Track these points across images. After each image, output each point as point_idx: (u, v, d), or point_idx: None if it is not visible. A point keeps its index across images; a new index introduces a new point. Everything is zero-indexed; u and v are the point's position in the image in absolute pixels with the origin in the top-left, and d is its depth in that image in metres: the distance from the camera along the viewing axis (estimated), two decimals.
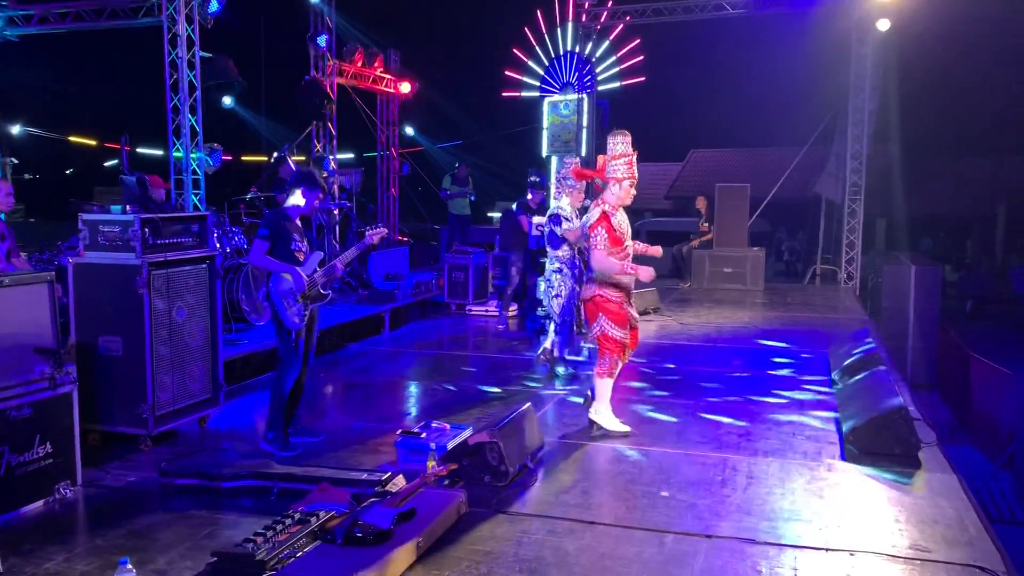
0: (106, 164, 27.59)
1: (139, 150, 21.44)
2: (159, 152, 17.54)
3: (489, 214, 26.94)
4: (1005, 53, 20.11)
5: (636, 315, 5.89)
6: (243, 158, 18.79)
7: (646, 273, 5.57)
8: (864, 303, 13.18)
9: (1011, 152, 23.90)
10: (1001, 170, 23.90)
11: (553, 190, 7.57)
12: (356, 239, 11.19)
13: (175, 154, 10.49)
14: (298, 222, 5.50)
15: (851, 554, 3.88)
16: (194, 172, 10.47)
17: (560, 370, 7.33)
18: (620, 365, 5.83)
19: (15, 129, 21.52)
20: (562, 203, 7.29)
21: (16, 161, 22.60)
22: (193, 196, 10.36)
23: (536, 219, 8.89)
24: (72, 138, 25.03)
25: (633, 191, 5.68)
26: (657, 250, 6.05)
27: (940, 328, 12.66)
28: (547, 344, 7.61)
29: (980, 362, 10.02)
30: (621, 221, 5.68)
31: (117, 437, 5.44)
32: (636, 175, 5.65)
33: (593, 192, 7.57)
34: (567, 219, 7.18)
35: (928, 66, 16.49)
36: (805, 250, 20.86)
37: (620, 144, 5.59)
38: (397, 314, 10.38)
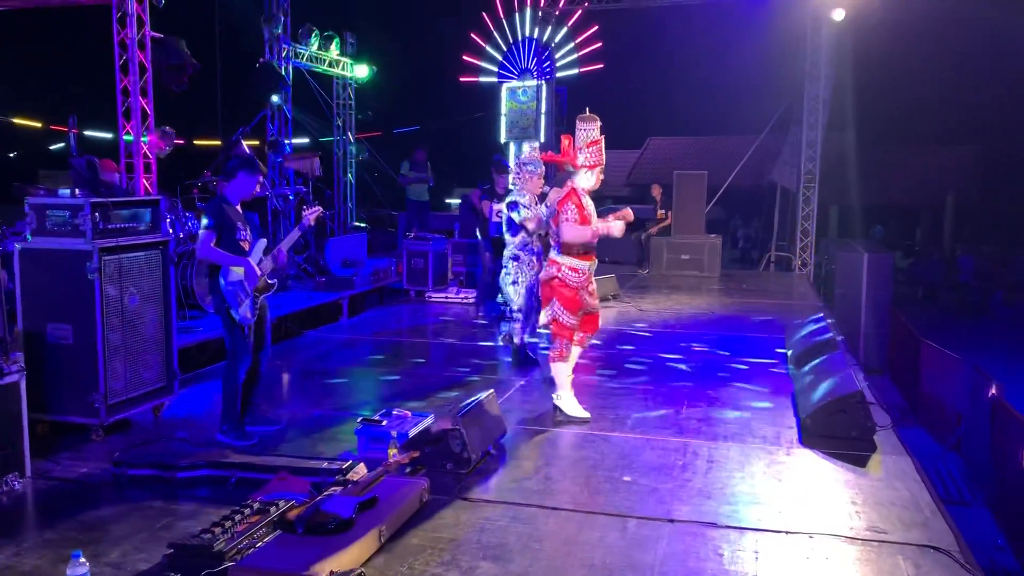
0: (52, 147, 26.84)
1: (87, 133, 20.87)
2: (108, 135, 17.11)
3: (447, 200, 26.80)
4: (957, 45, 20.54)
5: (595, 302, 5.89)
6: (195, 142, 18.40)
7: (618, 228, 5.58)
8: (818, 290, 13.40)
9: (959, 142, 24.47)
10: (950, 160, 24.46)
11: (512, 176, 7.49)
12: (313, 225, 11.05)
13: (126, 137, 10.20)
14: (239, 208, 5.30)
15: (810, 536, 3.93)
16: (145, 156, 10.20)
17: (519, 357, 7.31)
18: (575, 349, 5.85)
19: None
20: (520, 190, 7.24)
21: None
22: (145, 180, 10.09)
23: (497, 206, 8.84)
24: (16, 120, 24.29)
25: (601, 177, 5.73)
26: (627, 213, 5.82)
27: (892, 314, 12.93)
28: (508, 328, 7.61)
29: (930, 347, 10.24)
30: (587, 204, 5.69)
31: (68, 427, 5.30)
32: (604, 161, 5.69)
33: (553, 178, 7.57)
34: (525, 206, 7.14)
35: (883, 56, 16.77)
36: (760, 237, 21.16)
37: (592, 131, 5.61)
38: (355, 301, 10.27)
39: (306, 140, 18.58)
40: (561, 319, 5.68)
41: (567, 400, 5.78)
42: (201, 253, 5.11)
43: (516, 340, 7.37)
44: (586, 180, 5.65)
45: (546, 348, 7.53)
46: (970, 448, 8.52)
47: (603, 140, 5.63)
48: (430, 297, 10.82)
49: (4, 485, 4.40)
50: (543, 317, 5.92)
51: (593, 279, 5.87)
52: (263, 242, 5.26)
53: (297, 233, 5.45)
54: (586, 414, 5.75)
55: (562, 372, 5.79)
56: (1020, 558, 6.21)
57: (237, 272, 5.07)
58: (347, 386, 6.99)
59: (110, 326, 5.24)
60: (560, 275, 5.64)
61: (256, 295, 5.15)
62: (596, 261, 5.82)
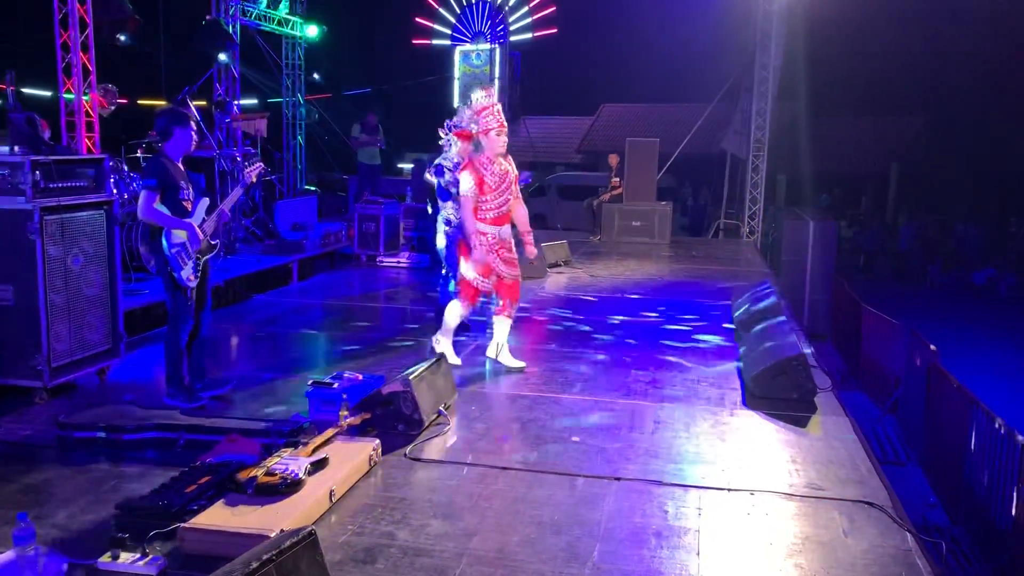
0: None
1: (25, 90, 20.14)
2: (47, 93, 16.53)
3: (399, 165, 26.55)
4: (906, 15, 20.85)
5: (513, 270, 6.02)
6: (139, 101, 17.92)
7: (476, 255, 5.79)
8: (765, 257, 13.65)
9: (904, 112, 24.94)
10: (895, 130, 24.94)
11: (442, 139, 7.45)
12: (261, 187, 10.88)
13: (66, 95, 9.91)
14: (181, 166, 5.15)
15: (751, 493, 4.06)
16: (87, 114, 9.93)
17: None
18: (500, 320, 6.09)
19: None
20: (450, 153, 7.20)
21: None
22: (87, 140, 9.83)
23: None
24: None
25: (502, 139, 5.85)
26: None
27: (835, 281, 13.25)
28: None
29: (871, 313, 10.53)
30: (496, 171, 5.82)
31: (9, 390, 5.20)
32: (504, 123, 5.85)
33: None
34: (450, 169, 7.14)
35: (833, 25, 16.95)
36: (709, 205, 21.42)
37: (483, 97, 5.83)
38: (305, 265, 10.17)
39: (254, 101, 18.22)
40: (468, 277, 5.92)
41: (445, 344, 6.08)
42: (143, 214, 4.95)
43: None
44: (487, 145, 5.81)
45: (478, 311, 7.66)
46: (906, 410, 8.82)
47: (496, 106, 5.84)
48: (381, 262, 10.77)
49: None
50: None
51: (512, 247, 6.05)
52: (205, 201, 5.15)
53: (239, 191, 5.36)
54: (458, 360, 6.07)
55: (453, 321, 6.08)
56: (950, 514, 6.50)
57: (179, 234, 4.96)
58: (297, 349, 6.97)
59: (53, 287, 5.13)
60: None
61: (199, 257, 5.06)
62: (508, 226, 6.01)
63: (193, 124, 5.11)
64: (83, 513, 3.75)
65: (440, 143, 7.14)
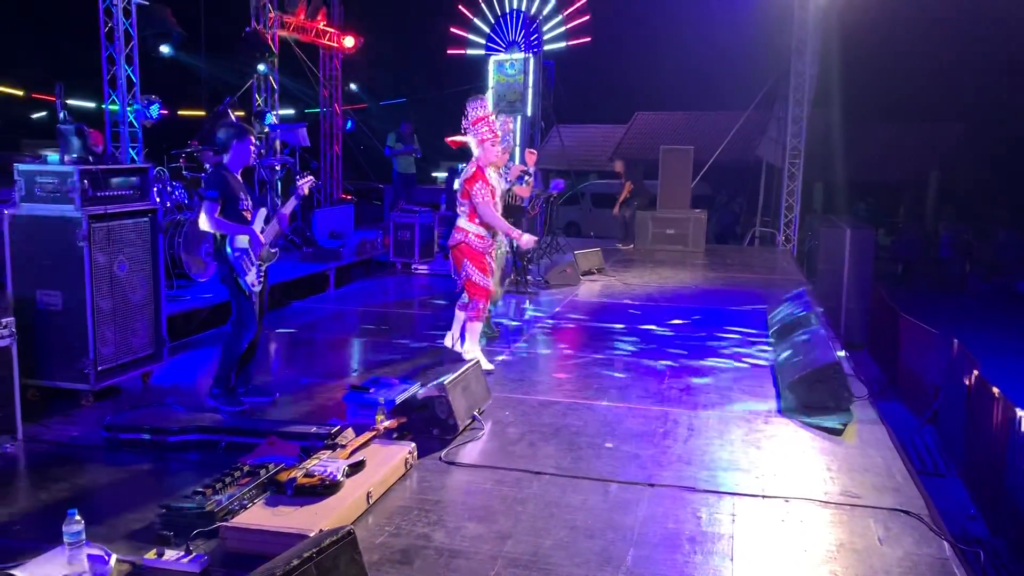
0: (34, 116, 26.51)
1: (70, 102, 20.62)
2: (91, 104, 16.93)
3: (433, 174, 26.73)
4: (945, 22, 20.58)
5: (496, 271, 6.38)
6: (179, 112, 18.27)
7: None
8: (801, 265, 13.54)
9: (945, 119, 24.58)
10: (935, 137, 24.58)
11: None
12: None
13: (111, 107, 10.16)
14: (240, 178, 5.31)
15: (786, 500, 4.06)
16: (131, 125, 10.17)
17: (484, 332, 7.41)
18: (487, 308, 6.42)
19: None
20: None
21: None
22: (131, 150, 10.07)
23: None
24: None
25: (497, 148, 6.10)
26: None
27: (872, 289, 13.10)
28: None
29: (909, 322, 10.41)
30: (492, 180, 6.13)
31: (57, 393, 5.35)
32: (498, 133, 6.09)
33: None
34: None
35: (870, 31, 16.80)
36: (744, 213, 21.28)
37: (478, 108, 6.07)
38: (342, 272, 10.32)
39: (291, 111, 18.48)
40: (474, 279, 6.15)
41: (475, 352, 6.21)
42: (206, 224, 5.10)
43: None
44: (484, 156, 6.06)
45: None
46: (946, 421, 8.70)
47: (492, 116, 6.11)
48: (416, 269, 10.88)
49: None
50: (459, 280, 6.31)
51: (496, 252, 6.38)
52: (264, 211, 5.29)
53: (294, 202, 5.48)
54: (491, 365, 6.22)
55: (476, 330, 6.27)
56: (990, 526, 6.40)
57: (242, 240, 5.11)
58: (334, 355, 7.07)
59: (99, 293, 5.28)
60: (467, 240, 6.13)
61: (261, 263, 5.20)
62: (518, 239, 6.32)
63: (252, 137, 5.25)
64: (128, 512, 3.86)
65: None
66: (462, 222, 6.15)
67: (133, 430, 4.67)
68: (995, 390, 6.75)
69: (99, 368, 5.31)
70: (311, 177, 5.69)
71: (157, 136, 10.68)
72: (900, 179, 25.15)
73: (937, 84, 23.85)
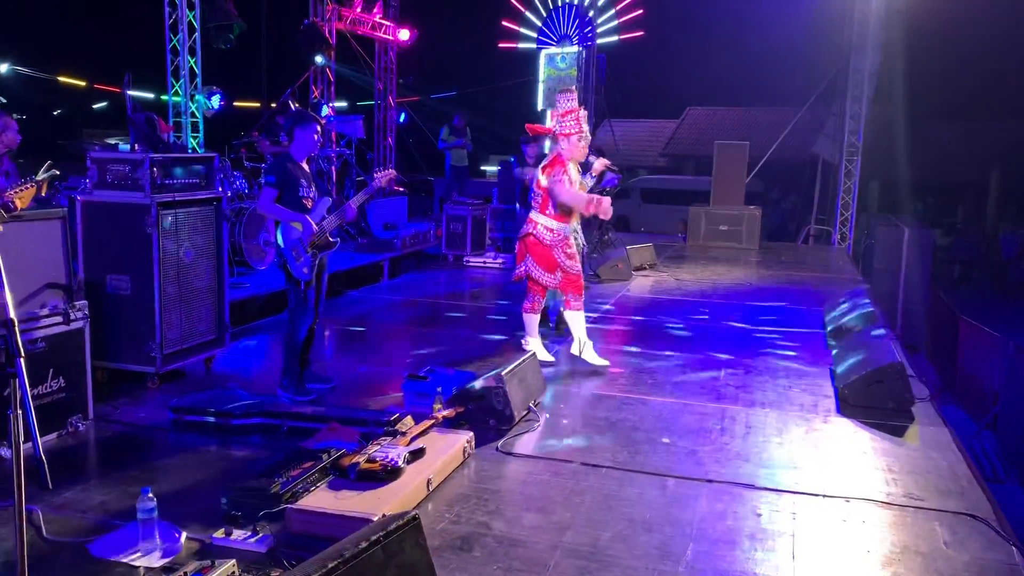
0: (95, 106, 27.19)
1: (130, 92, 21.11)
2: (149, 95, 17.30)
3: (482, 167, 26.78)
4: (1007, 16, 20.01)
5: (575, 264, 6.13)
6: (238, 103, 18.58)
7: (606, 207, 5.86)
8: (856, 264, 13.31)
9: (1005, 118, 23.91)
10: (995, 136, 23.93)
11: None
12: (354, 187, 11.18)
13: (174, 98, 10.39)
14: (306, 166, 5.34)
15: (846, 500, 4.01)
16: (193, 115, 10.39)
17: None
18: (572, 314, 6.18)
19: (2, 68, 21.19)
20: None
21: (4, 100, 22.30)
22: (192, 140, 10.29)
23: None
24: (62, 78, 24.59)
25: (582, 144, 5.98)
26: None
27: (931, 291, 12.83)
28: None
29: (969, 325, 10.17)
30: (571, 172, 5.97)
31: (124, 375, 5.50)
32: (584, 130, 5.95)
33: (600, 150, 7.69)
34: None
35: (931, 28, 16.42)
36: (797, 210, 20.97)
37: (568, 101, 5.91)
38: (395, 264, 10.42)
39: (343, 103, 18.69)
40: (533, 274, 6.07)
41: (535, 344, 6.20)
42: (261, 208, 5.22)
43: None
44: (567, 149, 5.92)
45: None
46: (1006, 427, 8.50)
47: (580, 111, 5.91)
48: (468, 262, 10.93)
49: (69, 426, 4.61)
50: (517, 271, 6.26)
51: (572, 241, 6.14)
52: (327, 200, 5.33)
53: (364, 196, 5.54)
54: (551, 356, 6.20)
55: (533, 322, 6.25)
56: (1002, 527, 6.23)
57: (296, 228, 5.16)
58: (389, 344, 7.16)
59: (166, 278, 5.42)
60: (535, 232, 6.02)
61: (315, 252, 5.23)
62: (574, 224, 6.12)
63: (318, 126, 5.31)
64: (196, 491, 3.97)
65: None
66: (533, 213, 6.07)
67: (198, 412, 4.80)
68: None
69: (165, 351, 5.45)
70: (392, 171, 5.75)
71: (217, 126, 10.90)
72: (959, 179, 24.56)
73: (998, 83, 23.22)
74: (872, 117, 14.88)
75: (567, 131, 5.88)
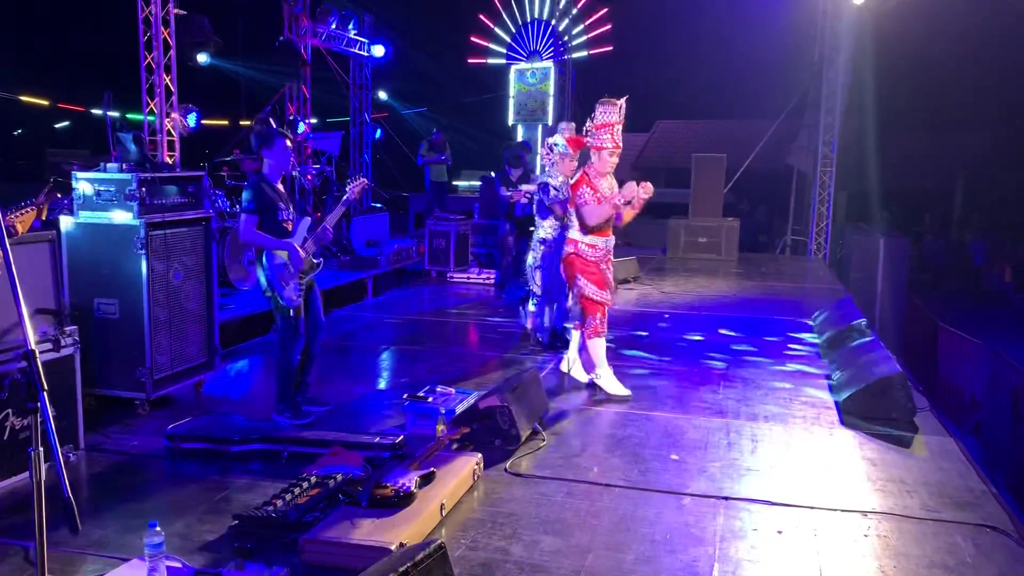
0: (58, 125, 26.67)
1: (94, 111, 20.74)
2: (114, 113, 16.99)
3: (455, 183, 26.65)
4: (972, 30, 20.43)
5: (611, 279, 5.97)
6: (215, 121, 18.32)
7: (645, 188, 5.63)
8: (834, 273, 13.42)
9: (971, 129, 24.38)
10: (961, 145, 24.39)
11: (540, 158, 7.45)
12: (335, 203, 11.03)
13: (149, 117, 10.19)
14: (281, 187, 5.16)
15: (864, 515, 3.97)
16: (169, 133, 10.20)
17: (529, 343, 7.30)
18: (606, 323, 5.92)
19: None
20: (552, 172, 7.18)
21: None
22: (168, 159, 10.09)
23: (525, 186, 8.79)
24: (23, 97, 24.09)
25: (613, 159, 5.76)
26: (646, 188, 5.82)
27: (908, 298, 12.96)
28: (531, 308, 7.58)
29: (948, 332, 10.27)
30: (602, 187, 5.76)
31: (113, 401, 5.32)
32: (620, 144, 5.73)
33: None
34: (555, 188, 7.10)
35: (901, 40, 16.69)
36: (768, 222, 21.14)
37: (607, 113, 5.64)
38: (379, 281, 10.29)
39: (314, 120, 18.52)
40: (588, 293, 5.80)
41: (607, 378, 5.83)
42: (244, 235, 4.98)
43: (530, 324, 7.34)
44: (597, 162, 5.73)
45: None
46: (989, 433, 8.57)
47: (618, 125, 5.66)
48: (452, 278, 10.83)
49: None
50: (570, 298, 6.00)
51: (612, 257, 5.98)
52: (307, 221, 5.18)
53: (341, 209, 5.41)
54: (627, 391, 5.81)
55: (600, 348, 5.86)
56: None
57: (280, 255, 4.99)
58: (383, 364, 7.03)
59: (156, 301, 5.26)
60: (577, 251, 5.80)
61: (301, 276, 5.09)
62: (613, 237, 5.94)
63: (285, 140, 5.15)
64: (199, 522, 3.82)
65: (543, 164, 7.17)
66: (572, 232, 5.85)
67: (195, 439, 4.65)
68: None
69: (155, 377, 5.29)
70: (363, 179, 5.63)
71: (194, 145, 10.71)
72: (925, 188, 24.95)
73: (962, 95, 23.66)
74: (840, 129, 15.05)
75: (599, 144, 5.66)
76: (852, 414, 5.41)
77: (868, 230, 14.53)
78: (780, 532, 3.78)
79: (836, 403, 5.73)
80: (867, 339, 6.59)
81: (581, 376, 6.09)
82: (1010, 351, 8.44)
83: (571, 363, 6.16)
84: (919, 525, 3.87)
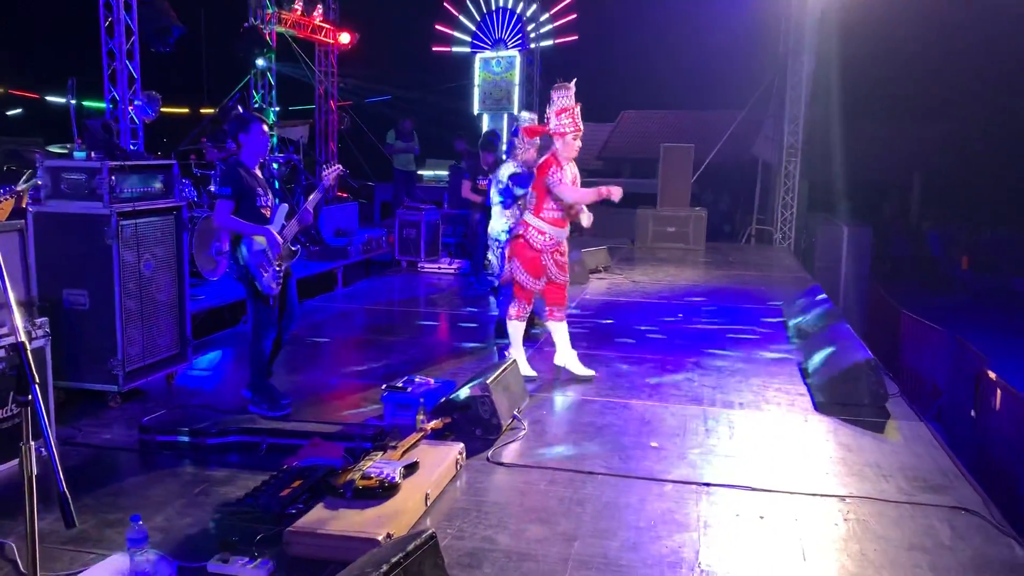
0: (9, 113, 25.99)
1: (48, 99, 20.25)
2: (62, 100, 16.58)
3: (419, 172, 26.48)
4: (934, 20, 20.76)
5: (563, 275, 5.94)
6: (163, 109, 17.96)
7: (616, 192, 5.62)
8: (800, 262, 13.61)
9: (928, 119, 24.83)
10: (920, 136, 24.83)
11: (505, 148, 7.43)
12: (304, 192, 10.91)
13: (111, 103, 9.96)
14: (259, 172, 5.11)
15: (843, 499, 4.04)
16: (132, 121, 9.98)
17: (501, 334, 7.26)
18: (554, 324, 6.02)
19: None
20: (517, 161, 7.17)
21: None
22: (131, 147, 9.87)
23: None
24: None
25: (577, 143, 5.74)
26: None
27: (870, 286, 13.18)
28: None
29: (911, 319, 10.45)
30: (569, 171, 5.75)
31: (84, 394, 5.22)
32: (581, 126, 5.72)
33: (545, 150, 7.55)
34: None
35: (865, 32, 16.91)
36: (733, 212, 21.36)
37: (564, 98, 5.64)
38: (349, 271, 10.19)
39: (278, 108, 18.26)
40: (519, 278, 5.84)
41: (520, 360, 5.89)
42: (219, 221, 4.92)
43: (500, 315, 7.30)
44: (561, 148, 5.70)
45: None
46: (950, 418, 8.75)
47: (576, 108, 5.66)
48: (423, 268, 10.77)
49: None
50: (504, 274, 6.05)
51: (565, 250, 5.98)
52: (285, 207, 5.12)
53: (319, 195, 5.35)
54: (533, 372, 5.95)
55: (518, 331, 5.98)
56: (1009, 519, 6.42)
57: (259, 241, 4.93)
58: (357, 355, 6.97)
59: (127, 292, 5.15)
60: (525, 235, 5.79)
61: (279, 263, 5.03)
62: (568, 230, 5.90)
63: (263, 125, 5.08)
64: (180, 516, 3.76)
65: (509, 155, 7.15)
66: (526, 215, 5.87)
67: (171, 432, 4.57)
68: (1008, 386, 6.78)
69: (127, 369, 5.18)
70: (338, 166, 5.57)
71: (157, 132, 10.50)
72: (884, 178, 25.37)
73: (921, 86, 24.07)
74: (805, 120, 15.23)
75: (562, 130, 5.65)
76: (825, 400, 5.49)
77: (833, 220, 14.75)
78: (762, 517, 3.82)
79: (809, 389, 5.82)
80: (837, 326, 6.69)
81: (579, 370, 6.04)
82: (967, 338, 8.62)
83: (565, 355, 6.10)
84: (897, 508, 3.94)
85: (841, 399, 5.42)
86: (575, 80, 5.66)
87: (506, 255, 6.09)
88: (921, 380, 9.97)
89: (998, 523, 3.77)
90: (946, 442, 8.54)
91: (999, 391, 6.96)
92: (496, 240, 7.14)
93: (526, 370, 5.90)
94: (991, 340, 13.25)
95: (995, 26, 20.39)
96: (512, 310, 5.96)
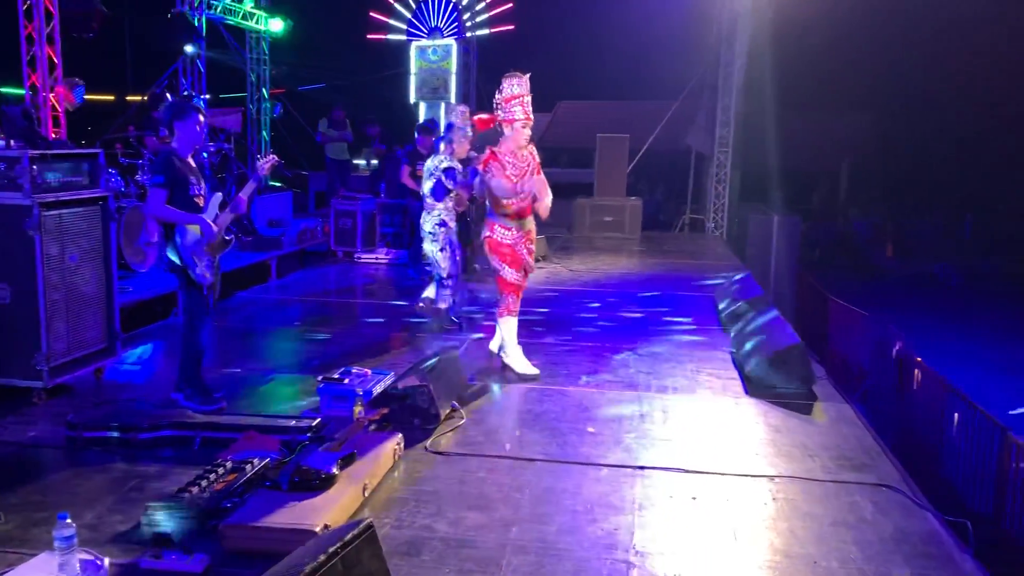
0: None
1: None
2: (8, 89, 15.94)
3: (355, 161, 26.19)
4: (855, 13, 21.33)
5: (531, 261, 5.95)
6: (86, 96, 17.38)
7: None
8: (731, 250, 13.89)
9: (855, 110, 25.54)
10: (847, 126, 25.53)
11: (447, 139, 7.39)
12: (235, 182, 10.70)
13: (31, 89, 9.60)
14: (192, 162, 5.03)
15: (771, 479, 4.16)
16: (53, 109, 9.64)
17: (443, 324, 7.26)
18: (518, 303, 5.96)
19: None
20: (447, 154, 7.16)
21: None
22: (53, 134, 9.54)
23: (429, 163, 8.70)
24: None
25: (527, 131, 5.72)
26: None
27: (799, 274, 13.52)
28: (428, 294, 7.54)
29: (838, 305, 10.77)
30: (518, 163, 5.71)
31: (6, 391, 5.05)
32: (531, 116, 5.70)
33: (480, 144, 7.55)
34: (461, 172, 7.11)
35: (797, 23, 17.27)
36: (667, 201, 21.65)
37: (515, 86, 5.61)
38: (283, 262, 10.04)
39: (208, 96, 17.84)
40: (503, 274, 5.82)
41: (516, 358, 5.89)
42: (152, 210, 4.82)
43: (443, 305, 7.30)
44: (509, 136, 5.68)
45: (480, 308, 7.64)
46: (875, 400, 9.06)
47: (527, 96, 5.64)
48: (359, 258, 10.67)
49: None
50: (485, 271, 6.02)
51: (534, 238, 5.97)
52: (218, 196, 5.03)
53: (253, 185, 5.26)
54: (535, 371, 5.86)
55: (512, 328, 5.91)
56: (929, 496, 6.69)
57: (193, 231, 4.86)
58: (293, 346, 6.89)
59: (51, 284, 5.00)
60: (493, 234, 5.78)
61: (213, 253, 4.95)
62: (530, 220, 5.89)
63: (199, 115, 4.99)
64: (110, 513, 3.69)
65: (442, 147, 7.13)
66: (489, 215, 5.83)
67: (100, 428, 4.45)
68: (927, 368, 7.05)
69: (52, 364, 5.04)
70: (273, 156, 5.50)
71: (80, 121, 10.17)
72: (813, 168, 26.02)
73: (846, 77, 24.72)
74: (736, 110, 15.52)
75: (511, 117, 5.59)
76: (755, 384, 5.64)
77: (764, 209, 15.07)
78: (694, 498, 3.92)
79: (740, 374, 5.96)
80: (767, 312, 6.86)
81: (524, 368, 5.91)
82: (891, 322, 8.92)
83: (508, 355, 6.08)
84: (822, 487, 4.08)
85: (770, 382, 5.58)
86: (528, 74, 5.65)
87: (489, 257, 5.96)
88: (848, 364, 10.29)
89: (916, 498, 3.94)
90: (870, 422, 8.88)
91: (917, 371, 7.26)
92: (431, 234, 7.12)
93: (525, 368, 5.83)
94: (913, 323, 13.78)
95: (917, 17, 21.07)
96: (501, 307, 5.87)
